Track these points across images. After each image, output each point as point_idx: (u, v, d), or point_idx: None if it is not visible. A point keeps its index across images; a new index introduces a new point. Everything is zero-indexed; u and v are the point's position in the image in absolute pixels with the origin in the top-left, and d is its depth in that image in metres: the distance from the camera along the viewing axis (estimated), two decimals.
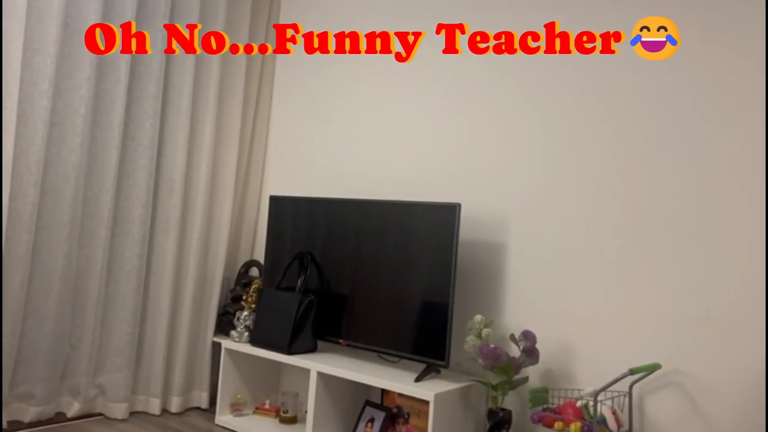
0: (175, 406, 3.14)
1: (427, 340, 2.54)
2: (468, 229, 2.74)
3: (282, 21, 3.55)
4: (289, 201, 3.11)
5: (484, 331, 2.44)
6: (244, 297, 3.22)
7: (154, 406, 3.06)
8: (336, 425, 2.75)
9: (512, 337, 2.45)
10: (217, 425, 3.00)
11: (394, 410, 2.62)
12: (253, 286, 3.23)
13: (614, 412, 2.15)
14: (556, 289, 2.50)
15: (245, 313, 3.10)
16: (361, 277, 2.79)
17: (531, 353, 2.39)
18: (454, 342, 2.63)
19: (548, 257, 2.53)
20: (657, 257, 2.28)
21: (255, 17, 3.45)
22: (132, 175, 3.03)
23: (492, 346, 2.37)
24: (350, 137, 3.21)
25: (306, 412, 2.75)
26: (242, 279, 3.40)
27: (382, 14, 3.12)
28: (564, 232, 2.51)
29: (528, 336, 2.41)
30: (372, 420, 2.64)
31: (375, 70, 3.13)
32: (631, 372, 2.12)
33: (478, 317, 2.47)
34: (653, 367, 2.18)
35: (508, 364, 2.35)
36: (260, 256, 3.47)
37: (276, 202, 3.16)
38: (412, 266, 2.62)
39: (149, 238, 3.09)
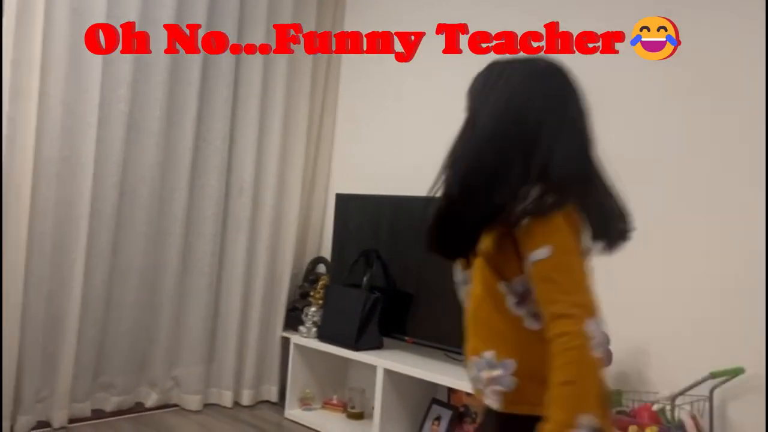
0: (246, 398, 3.23)
1: None
2: None
3: (347, 20, 3.57)
4: (355, 198, 3.13)
5: None
6: (311, 293, 3.27)
7: (227, 399, 3.16)
8: (403, 422, 2.75)
9: None
10: (287, 419, 3.06)
11: (461, 409, 2.60)
12: (320, 283, 3.28)
13: (693, 418, 2.06)
14: (629, 287, 2.40)
15: (313, 308, 3.15)
16: (426, 274, 2.78)
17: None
18: None
19: (619, 252, 2.44)
20: (740, 253, 2.16)
21: (321, 18, 3.49)
22: (204, 175, 3.13)
23: None
24: (417, 134, 3.19)
25: (373, 408, 2.76)
26: (310, 275, 3.45)
27: (448, 10, 3.09)
28: (636, 224, 2.41)
29: None
30: (439, 418, 2.63)
31: (443, 65, 3.10)
32: (713, 375, 2.02)
33: None
34: (736, 371, 2.06)
35: None
36: (327, 252, 3.51)
37: (342, 199, 3.18)
38: None
39: (221, 237, 3.18)
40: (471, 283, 1.20)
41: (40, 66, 2.54)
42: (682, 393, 2.02)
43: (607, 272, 2.46)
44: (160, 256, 3.03)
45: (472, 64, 3.04)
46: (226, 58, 3.13)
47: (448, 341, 2.67)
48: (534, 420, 1.00)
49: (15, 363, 2.54)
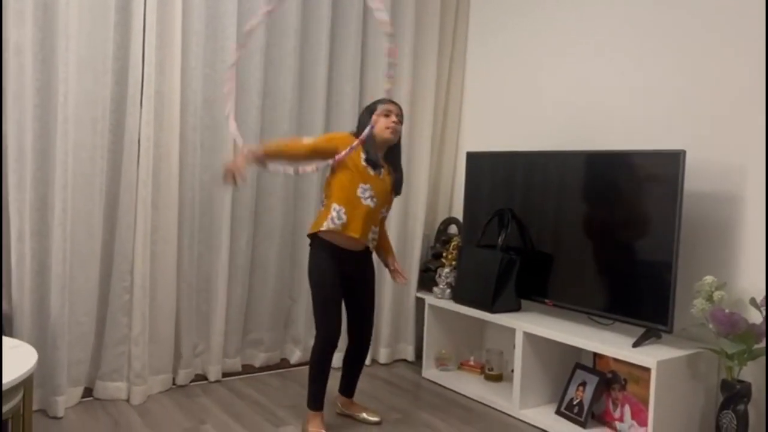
0: (383, 357, 3.29)
1: (646, 302, 2.33)
2: (694, 178, 2.44)
3: None
4: (487, 156, 3.02)
5: (716, 294, 2.16)
6: (444, 254, 3.23)
7: None
8: (544, 386, 2.67)
9: (752, 301, 2.14)
10: (424, 378, 3.08)
11: (609, 375, 2.46)
12: (452, 244, 3.23)
13: None
14: None
15: (446, 270, 3.11)
16: (566, 233, 2.63)
17: None
18: (678, 305, 2.38)
19: None
20: None
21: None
22: None
23: (727, 311, 2.10)
24: (550, 83, 3.00)
25: (512, 371, 2.70)
26: (442, 236, 3.41)
27: None
28: None
29: None
30: (584, 384, 2.51)
31: (581, 15, 2.88)
32: None
33: (708, 278, 2.20)
34: None
35: (748, 331, 2.07)
36: (458, 213, 3.44)
37: (473, 158, 3.08)
38: (627, 221, 2.40)
39: None
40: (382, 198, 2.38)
41: (181, 41, 2.65)
42: None
43: None
44: (297, 218, 3.12)
45: (610, 18, 2.80)
46: (354, 22, 3.11)
47: (591, 304, 2.53)
48: None
49: (174, 320, 2.74)
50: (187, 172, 2.75)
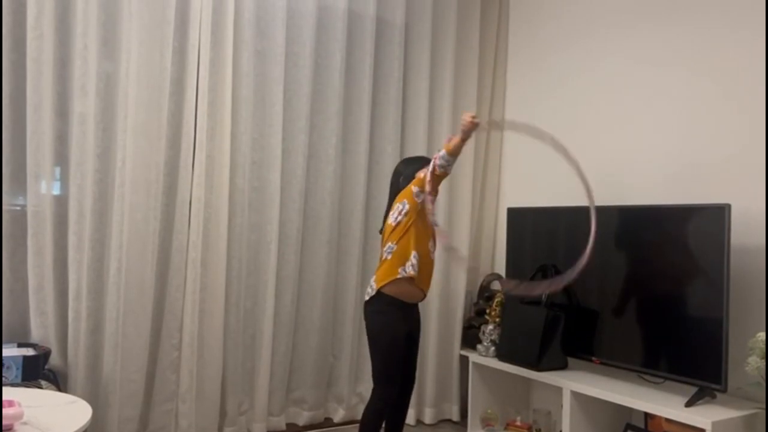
0: (428, 417, 3.24)
1: (698, 359, 2.26)
2: (742, 233, 2.39)
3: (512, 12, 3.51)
4: (528, 212, 3.03)
5: None
6: (487, 311, 3.21)
7: (409, 416, 3.18)
8: None
9: None
10: None
11: None
12: (496, 300, 3.21)
13: None
14: None
15: (490, 326, 3.09)
16: (612, 289, 2.60)
17: None
18: (732, 363, 2.30)
19: None
20: None
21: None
22: (378, 196, 3.23)
23: None
24: (590, 137, 3.02)
25: (560, 431, 2.63)
26: (484, 292, 3.40)
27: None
28: None
29: None
30: None
31: (622, 59, 2.92)
32: None
33: (761, 335, 2.13)
34: None
35: None
36: (501, 269, 3.43)
37: (514, 214, 3.10)
38: (675, 276, 2.36)
39: None
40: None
41: (231, 108, 2.79)
42: None
43: None
44: (341, 275, 3.16)
45: (661, 49, 2.81)
46: (394, 84, 3.22)
47: (639, 361, 2.47)
48: None
49: (220, 378, 2.78)
50: (235, 232, 2.84)
